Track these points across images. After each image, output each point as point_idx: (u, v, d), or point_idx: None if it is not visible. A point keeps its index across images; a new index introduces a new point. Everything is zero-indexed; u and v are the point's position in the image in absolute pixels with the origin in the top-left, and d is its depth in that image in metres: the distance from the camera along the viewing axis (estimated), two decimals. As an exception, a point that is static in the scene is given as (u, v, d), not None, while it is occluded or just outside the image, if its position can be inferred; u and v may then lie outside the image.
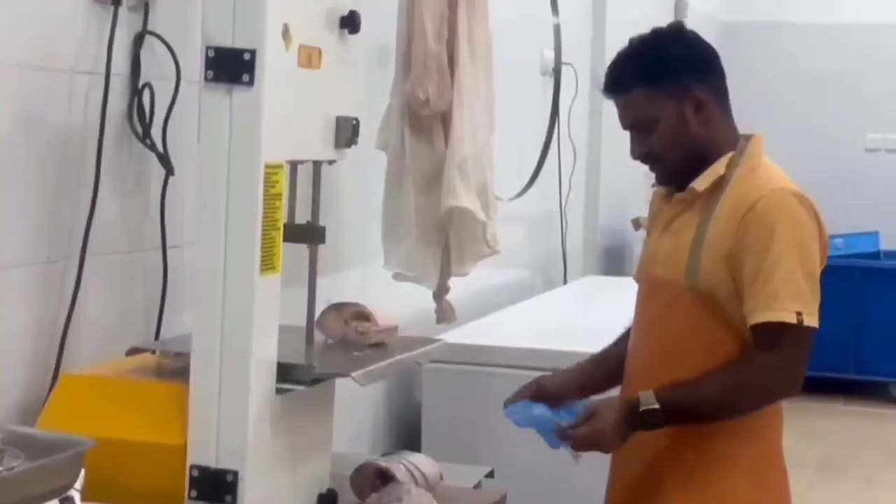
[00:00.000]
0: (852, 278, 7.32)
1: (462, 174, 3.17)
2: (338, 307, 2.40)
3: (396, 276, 3.27)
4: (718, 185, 2.36)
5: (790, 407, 7.68)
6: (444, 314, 3.41)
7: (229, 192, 2.03)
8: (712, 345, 2.31)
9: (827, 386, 7.45)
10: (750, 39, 8.04)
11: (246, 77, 2.00)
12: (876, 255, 7.44)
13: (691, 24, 7.48)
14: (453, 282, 3.38)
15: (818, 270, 2.33)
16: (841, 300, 7.34)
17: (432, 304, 3.38)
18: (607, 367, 2.56)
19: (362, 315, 2.39)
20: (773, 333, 2.25)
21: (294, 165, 2.27)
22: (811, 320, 2.26)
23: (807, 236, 2.31)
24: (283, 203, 2.12)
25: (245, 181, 2.02)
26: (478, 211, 3.22)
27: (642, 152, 2.40)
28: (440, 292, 3.37)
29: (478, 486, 2.88)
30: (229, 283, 2.03)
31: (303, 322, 2.33)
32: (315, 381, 2.16)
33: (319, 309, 2.37)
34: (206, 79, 2.02)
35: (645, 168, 2.45)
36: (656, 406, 2.24)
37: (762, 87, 8.00)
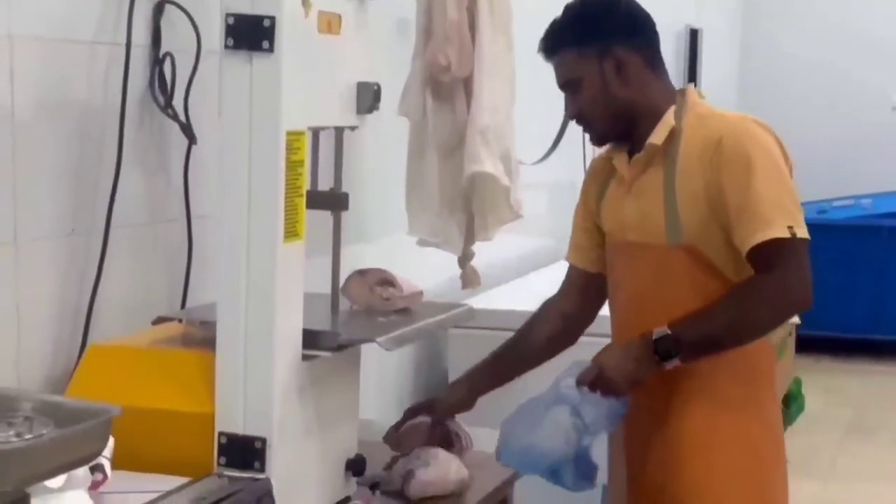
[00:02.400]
0: (880, 237, 7.28)
1: (484, 140, 3.16)
2: (362, 274, 2.39)
3: (421, 243, 3.27)
4: (672, 139, 2.38)
5: (818, 368, 7.70)
6: (469, 280, 3.41)
7: (251, 159, 2.02)
8: (707, 298, 2.31)
9: (855, 347, 7.44)
10: (772, 2, 7.98)
11: (266, 44, 1.99)
12: (905, 215, 7.39)
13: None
14: (477, 247, 3.38)
15: (793, 187, 2.36)
16: (868, 260, 7.32)
17: (457, 271, 3.38)
18: (519, 354, 2.61)
19: (387, 281, 2.39)
20: (770, 252, 2.27)
21: (316, 132, 2.27)
22: (802, 232, 2.29)
23: (778, 158, 2.35)
24: (306, 170, 2.11)
25: (267, 149, 2.02)
26: (501, 176, 3.21)
27: (574, 113, 2.47)
28: (465, 258, 3.37)
29: (503, 450, 2.88)
30: (253, 250, 2.03)
31: (328, 289, 2.33)
32: (341, 348, 2.16)
33: (344, 276, 2.37)
34: (226, 46, 2.01)
35: None
36: (668, 332, 2.25)
37: (786, 50, 7.94)
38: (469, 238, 3.33)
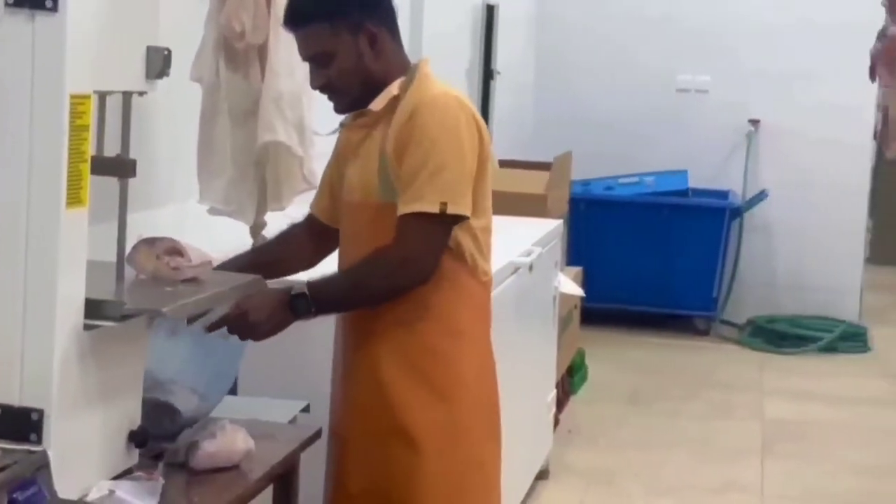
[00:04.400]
0: (661, 215, 7.56)
1: (278, 109, 3.13)
2: (149, 242, 2.34)
3: (212, 211, 3.22)
4: (394, 105, 2.54)
5: (606, 339, 7.93)
6: (261, 250, 3.37)
7: (33, 122, 1.95)
8: None
9: (639, 319, 7.73)
10: (568, -21, 8.14)
11: (49, 2, 1.92)
12: (685, 193, 7.68)
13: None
14: (270, 217, 3.35)
15: (472, 169, 2.52)
16: (651, 236, 7.60)
17: (249, 240, 3.35)
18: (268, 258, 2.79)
19: (175, 250, 2.34)
20: (412, 224, 2.46)
21: (102, 96, 2.21)
22: (457, 208, 2.46)
23: (463, 136, 2.50)
24: (91, 135, 2.05)
25: (49, 112, 1.95)
26: (295, 146, 3.19)
27: (321, 83, 2.58)
28: (257, 227, 3.33)
29: (293, 420, 2.89)
30: (33, 216, 1.97)
31: (114, 258, 2.28)
32: (125, 318, 2.11)
33: (131, 244, 2.31)
34: (6, 3, 1.94)
35: None
36: (304, 290, 2.47)
37: (580, 28, 8.12)
38: (261, 208, 3.30)
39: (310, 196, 3.37)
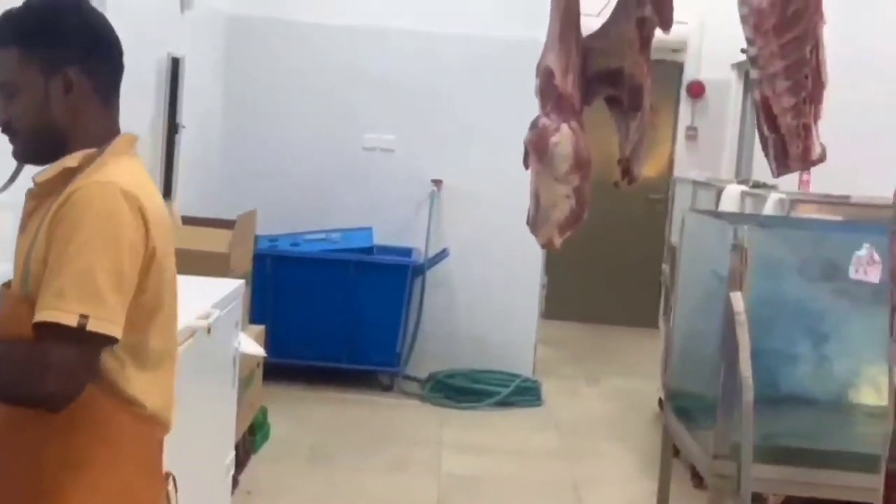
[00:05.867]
0: (347, 272, 7.66)
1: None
2: None
3: None
4: (68, 178, 2.19)
5: (291, 396, 7.88)
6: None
7: None
8: None
9: (322, 375, 7.77)
10: (256, 35, 8.15)
11: None
12: (370, 250, 7.82)
13: (196, 13, 7.42)
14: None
15: (130, 270, 2.10)
16: (336, 293, 7.68)
17: None
18: None
19: None
20: (50, 333, 2.03)
21: None
22: (101, 325, 2.04)
23: (123, 233, 2.09)
24: None
25: None
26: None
27: (3, 120, 2.24)
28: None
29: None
30: None
31: None
32: None
33: None
34: None
35: None
36: None
37: (268, 84, 8.15)
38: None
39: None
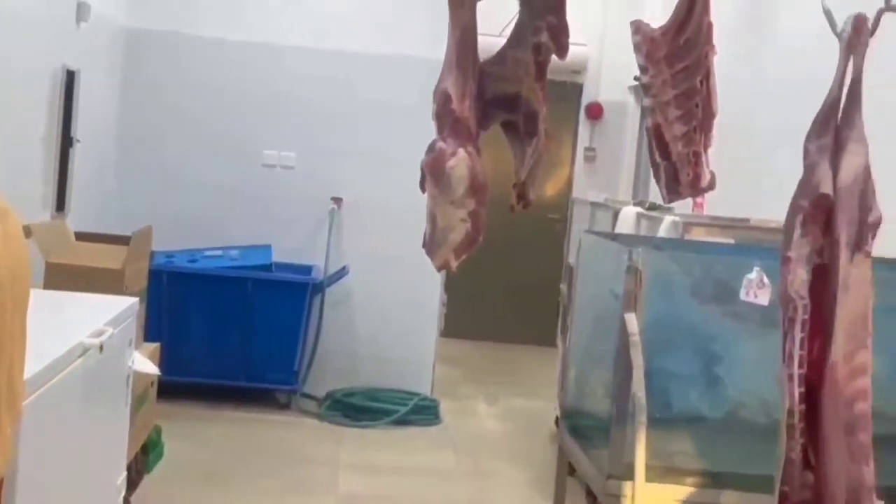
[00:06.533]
0: (245, 289, 7.59)
1: None
2: None
3: None
4: None
5: (187, 414, 7.81)
6: None
7: None
8: None
9: (219, 393, 7.68)
10: (155, 48, 8.06)
11: None
12: (269, 268, 7.76)
13: (93, 26, 7.32)
14: None
15: None
16: (234, 310, 7.60)
17: None
18: None
19: None
20: None
21: None
22: None
23: None
24: None
25: None
26: None
27: None
28: None
29: None
30: None
31: None
32: None
33: None
34: None
35: None
36: None
37: (167, 99, 8.06)
38: None
39: None
